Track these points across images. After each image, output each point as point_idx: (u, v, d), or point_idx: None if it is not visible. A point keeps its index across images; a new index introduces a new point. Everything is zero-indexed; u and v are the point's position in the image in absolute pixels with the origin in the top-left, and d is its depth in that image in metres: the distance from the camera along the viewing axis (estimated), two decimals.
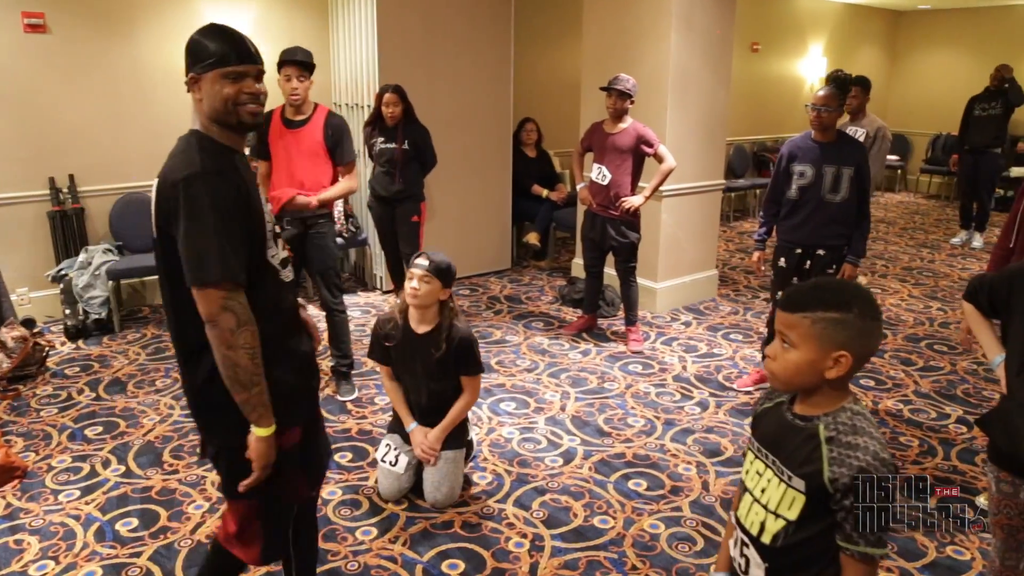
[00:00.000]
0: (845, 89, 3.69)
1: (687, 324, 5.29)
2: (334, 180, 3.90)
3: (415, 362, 3.02)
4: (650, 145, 4.50)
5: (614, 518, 3.02)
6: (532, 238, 6.35)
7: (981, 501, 3.32)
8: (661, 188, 4.80)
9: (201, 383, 1.80)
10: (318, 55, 4.08)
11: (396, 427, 3.18)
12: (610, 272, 4.98)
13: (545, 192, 6.45)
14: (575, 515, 3.03)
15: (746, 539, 1.53)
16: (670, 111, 5.11)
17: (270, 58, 3.81)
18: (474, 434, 3.38)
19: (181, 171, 1.66)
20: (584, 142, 4.76)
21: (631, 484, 3.26)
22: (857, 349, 1.38)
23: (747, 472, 1.57)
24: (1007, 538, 2.20)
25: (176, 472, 3.30)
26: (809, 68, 10.00)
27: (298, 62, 3.72)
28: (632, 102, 4.48)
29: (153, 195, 1.71)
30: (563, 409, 3.94)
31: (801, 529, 1.42)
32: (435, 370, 2.99)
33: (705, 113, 5.39)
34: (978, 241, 7.95)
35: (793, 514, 1.42)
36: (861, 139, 4.96)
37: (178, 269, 1.68)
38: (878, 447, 1.34)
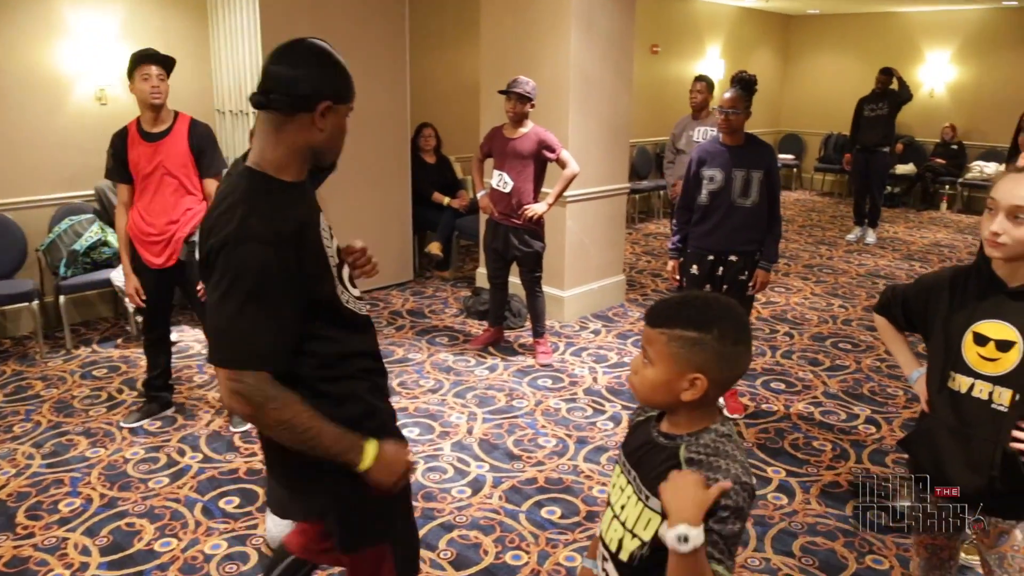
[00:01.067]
0: (751, 90, 3.62)
1: (596, 332, 5.16)
2: (201, 195, 3.57)
3: None
4: (552, 150, 4.34)
5: (527, 552, 2.81)
6: (434, 248, 6.10)
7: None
8: (565, 194, 4.64)
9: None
10: (198, 59, 3.74)
11: None
12: (515, 281, 4.79)
13: (446, 200, 6.22)
14: (485, 552, 2.80)
15: (606, 554, 1.43)
16: (572, 114, 4.97)
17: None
18: None
19: (225, 228, 1.46)
20: (483, 147, 4.55)
21: (544, 512, 3.07)
22: (714, 374, 1.28)
23: (613, 485, 1.46)
24: (930, 557, 2.12)
25: (31, 536, 2.89)
26: (707, 70, 10.11)
27: (157, 58, 3.38)
28: (532, 105, 4.30)
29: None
30: (470, 432, 3.72)
31: (657, 551, 1.29)
32: None
33: (608, 115, 5.28)
34: (872, 237, 8.19)
35: (648, 534, 1.31)
36: (707, 139, 4.82)
37: None
38: (740, 471, 1.24)
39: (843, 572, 2.78)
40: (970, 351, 1.86)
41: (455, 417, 3.86)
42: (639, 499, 1.35)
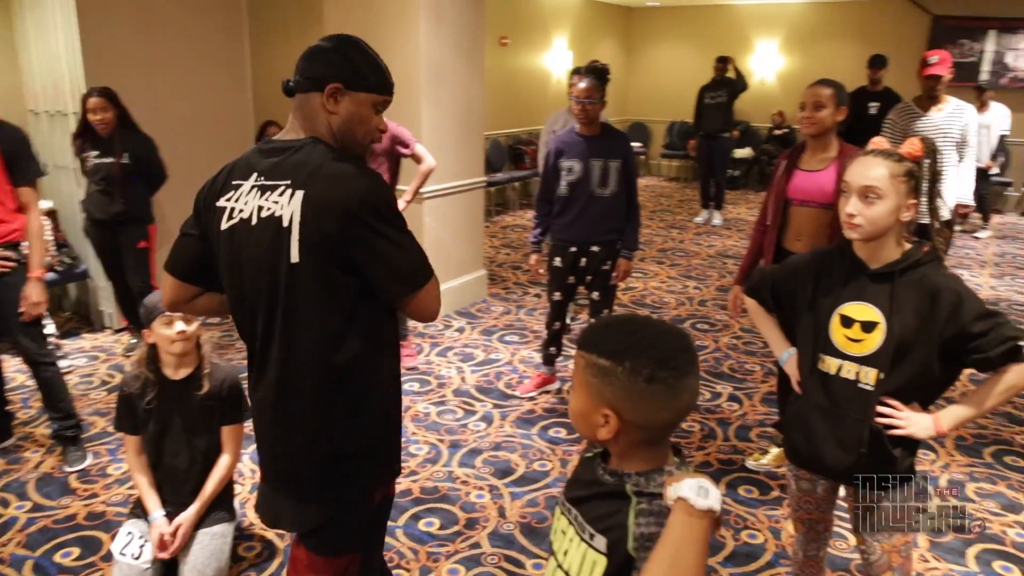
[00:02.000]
0: (604, 80, 3.61)
1: (460, 330, 5.06)
2: (14, 205, 3.16)
3: (173, 417, 2.50)
4: (406, 145, 4.17)
5: (408, 570, 2.67)
6: None
7: (750, 464, 3.41)
8: (422, 190, 4.50)
9: (346, 416, 1.61)
10: (2, 55, 3.28)
11: (141, 510, 2.58)
12: None
13: None
14: None
15: None
16: (425, 107, 4.82)
17: None
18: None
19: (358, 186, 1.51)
20: None
21: (422, 525, 2.93)
22: (627, 413, 1.13)
23: (554, 531, 1.32)
24: (808, 531, 2.18)
25: None
26: (555, 61, 10.25)
27: None
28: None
29: (301, 207, 1.49)
30: None
31: None
32: (198, 420, 2.52)
33: (461, 108, 5.17)
34: (718, 219, 8.57)
35: None
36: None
37: (330, 289, 1.52)
38: None
39: (723, 551, 2.82)
40: (837, 333, 1.90)
41: None
42: (582, 539, 1.22)
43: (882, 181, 1.80)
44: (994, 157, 7.87)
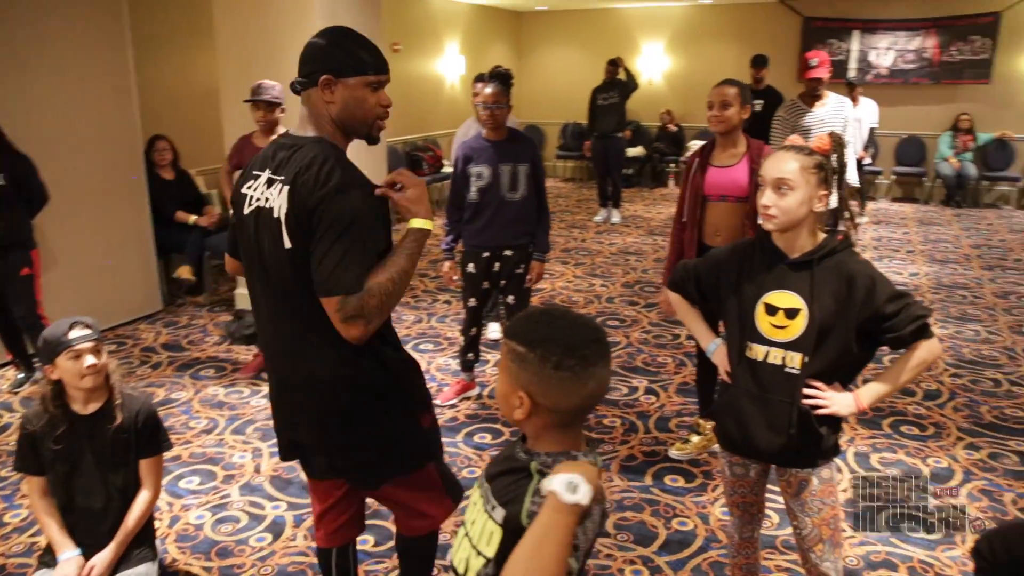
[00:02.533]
0: (509, 84, 3.63)
1: None
2: None
3: (84, 454, 2.33)
4: None
5: None
6: (184, 272, 5.52)
7: (673, 453, 3.51)
8: None
9: (370, 371, 1.82)
10: None
11: (51, 557, 2.39)
12: None
13: (192, 218, 5.64)
14: None
15: None
16: None
17: None
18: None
19: (334, 180, 1.67)
20: (233, 159, 4.18)
21: (360, 543, 2.85)
22: (538, 396, 1.23)
23: (471, 503, 1.39)
24: (743, 514, 2.25)
25: None
26: (448, 67, 10.24)
27: None
28: (283, 110, 4.01)
29: (286, 205, 1.67)
30: (258, 471, 3.38)
31: (500, 569, 1.22)
32: (112, 456, 2.35)
33: None
34: (617, 216, 8.77)
35: (491, 550, 1.26)
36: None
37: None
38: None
39: (656, 540, 2.89)
40: (762, 321, 1.98)
41: (238, 457, 3.50)
42: (485, 511, 1.30)
43: (793, 174, 1.90)
44: (866, 148, 8.41)
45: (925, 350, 1.91)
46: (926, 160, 9.87)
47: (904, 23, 9.70)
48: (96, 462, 2.36)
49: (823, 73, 4.60)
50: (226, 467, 3.41)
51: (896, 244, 7.70)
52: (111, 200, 5.04)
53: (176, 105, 6.40)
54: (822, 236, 1.98)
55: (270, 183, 1.73)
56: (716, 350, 2.17)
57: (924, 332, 1.90)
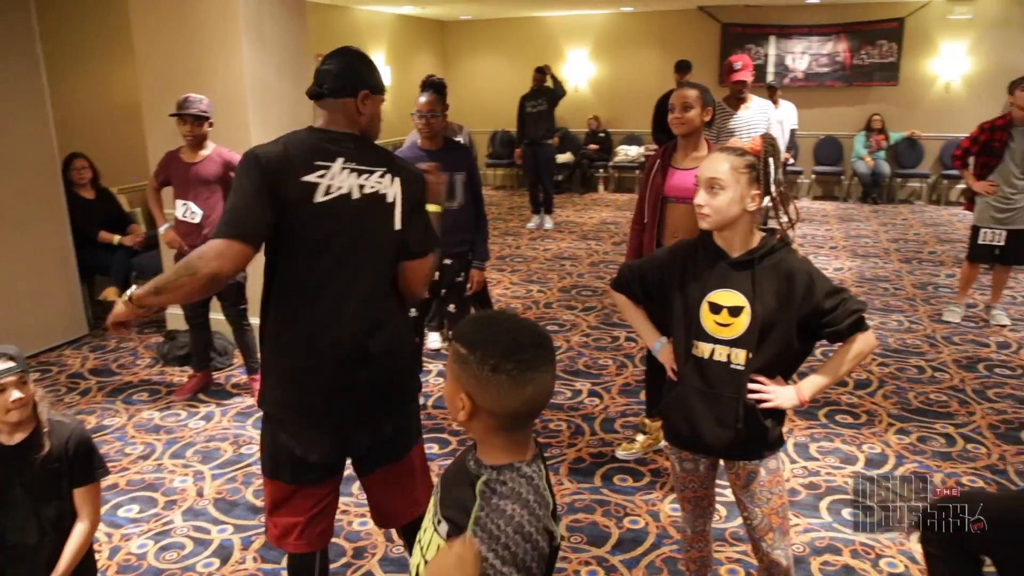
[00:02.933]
0: (444, 92, 3.64)
1: None
2: None
3: (12, 488, 2.20)
4: None
5: None
6: (110, 294, 5.31)
7: (620, 453, 3.56)
8: None
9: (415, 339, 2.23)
10: None
11: None
12: (216, 317, 4.34)
13: (116, 238, 5.45)
14: None
15: None
16: (254, 130, 4.62)
17: None
18: None
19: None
20: (159, 176, 4.04)
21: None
22: (478, 399, 1.24)
23: (429, 509, 1.40)
24: (694, 508, 2.30)
25: None
26: None
27: None
28: (211, 124, 3.92)
29: (401, 189, 2.03)
30: (201, 495, 3.28)
31: None
32: (43, 487, 2.23)
33: (291, 129, 5.00)
34: (549, 223, 8.85)
35: None
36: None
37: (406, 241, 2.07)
38: (526, 520, 1.19)
39: (609, 540, 2.92)
40: (707, 319, 2.03)
41: (179, 481, 3.38)
42: (432, 522, 1.31)
43: (724, 173, 1.98)
44: (788, 149, 8.70)
45: (862, 342, 2.00)
46: (843, 159, 10.28)
47: (817, 28, 10.10)
48: (26, 494, 2.25)
49: (747, 76, 4.74)
50: (167, 492, 3.29)
51: (820, 241, 7.99)
52: (29, 222, 4.82)
53: (94, 122, 6.17)
54: (759, 236, 2.04)
55: (359, 172, 1.97)
56: (661, 348, 2.21)
57: (860, 325, 1.98)
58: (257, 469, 3.46)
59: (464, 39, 11.97)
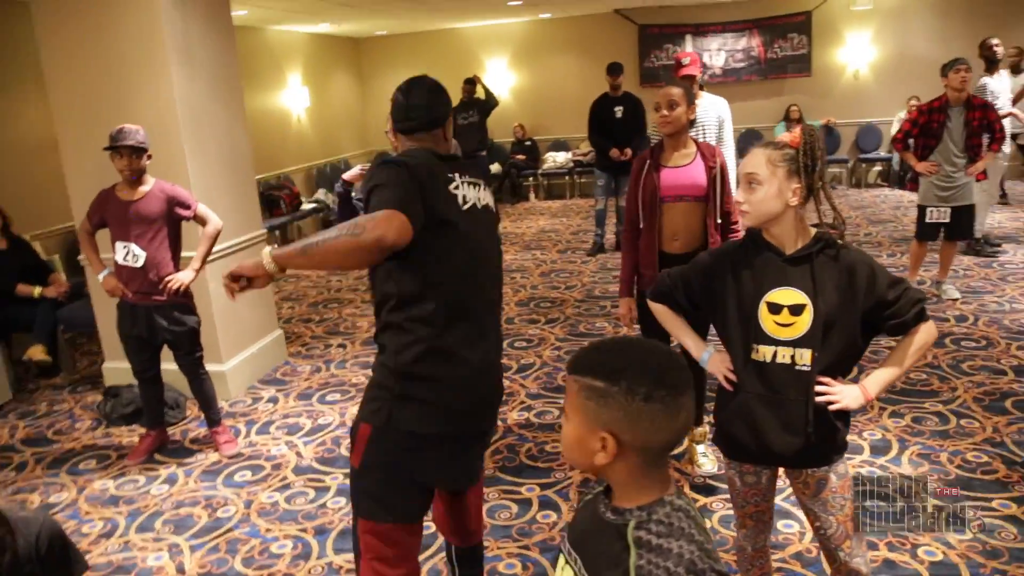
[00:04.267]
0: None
1: (274, 400, 4.53)
2: None
3: None
4: (186, 206, 3.65)
5: None
6: (36, 352, 4.81)
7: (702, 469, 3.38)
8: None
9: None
10: None
11: None
12: (168, 368, 3.95)
13: (36, 290, 4.94)
14: None
15: None
16: (190, 160, 4.25)
17: None
18: None
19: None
20: (93, 217, 3.64)
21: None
22: (625, 435, 1.10)
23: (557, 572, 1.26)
24: (755, 524, 2.17)
25: None
26: (293, 99, 9.76)
27: None
28: (150, 157, 3.56)
29: (493, 202, 2.13)
30: (183, 571, 2.92)
31: None
32: None
33: (228, 155, 4.66)
34: None
35: None
36: None
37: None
38: (696, 555, 1.06)
39: None
40: (767, 320, 1.89)
41: (153, 559, 3.01)
42: None
43: (760, 168, 1.89)
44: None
45: (925, 332, 1.90)
46: None
47: (730, 25, 10.30)
48: None
49: (695, 71, 4.68)
50: (141, 574, 2.92)
51: None
52: None
53: (2, 162, 5.63)
54: (813, 230, 1.92)
55: (475, 186, 2.00)
56: (711, 358, 2.06)
57: (924, 315, 1.88)
58: (241, 534, 3.13)
59: (380, 55, 11.68)
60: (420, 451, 1.89)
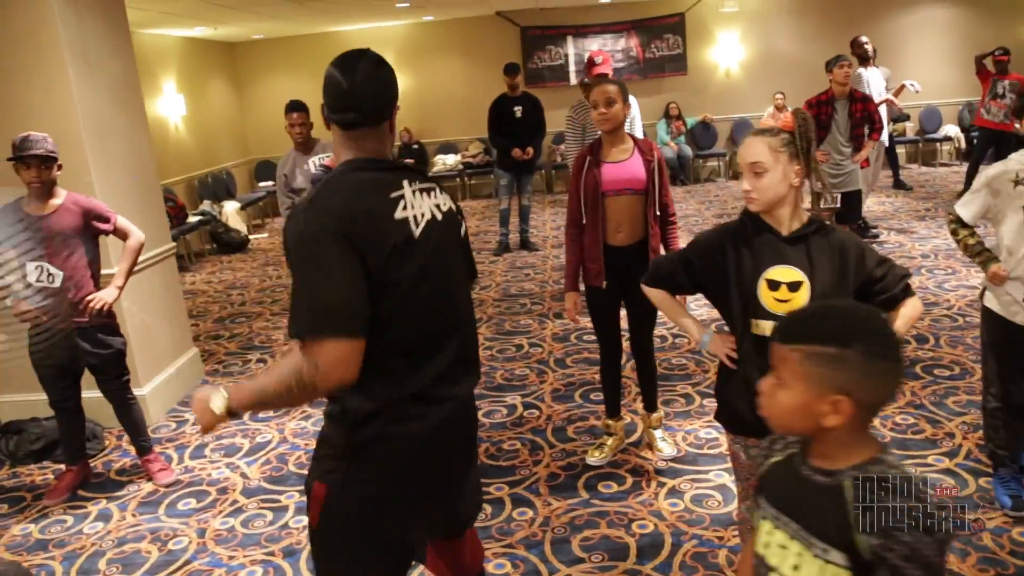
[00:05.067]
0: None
1: None
2: None
3: None
4: (105, 220, 3.39)
5: None
6: None
7: (591, 460, 3.43)
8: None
9: None
10: None
11: None
12: (89, 396, 3.64)
13: None
14: None
15: None
16: (95, 170, 3.93)
17: None
18: None
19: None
20: None
21: None
22: (861, 394, 1.17)
23: (767, 545, 1.30)
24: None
25: None
26: (168, 107, 9.21)
27: None
28: (60, 166, 3.27)
29: (453, 205, 1.83)
30: None
31: None
32: None
33: (132, 165, 4.34)
34: None
35: None
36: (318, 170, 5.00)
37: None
38: (922, 514, 1.12)
39: (630, 551, 2.77)
40: (766, 296, 1.99)
41: None
42: (815, 555, 1.19)
43: (764, 155, 1.97)
44: None
45: (911, 306, 2.03)
46: None
47: (609, 27, 10.63)
48: None
49: (607, 70, 4.82)
50: None
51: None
52: None
53: None
54: (807, 213, 2.03)
55: (426, 192, 1.72)
56: (711, 340, 2.14)
57: (909, 289, 2.02)
58: (202, 565, 2.93)
59: (257, 60, 11.21)
60: (384, 510, 1.66)
